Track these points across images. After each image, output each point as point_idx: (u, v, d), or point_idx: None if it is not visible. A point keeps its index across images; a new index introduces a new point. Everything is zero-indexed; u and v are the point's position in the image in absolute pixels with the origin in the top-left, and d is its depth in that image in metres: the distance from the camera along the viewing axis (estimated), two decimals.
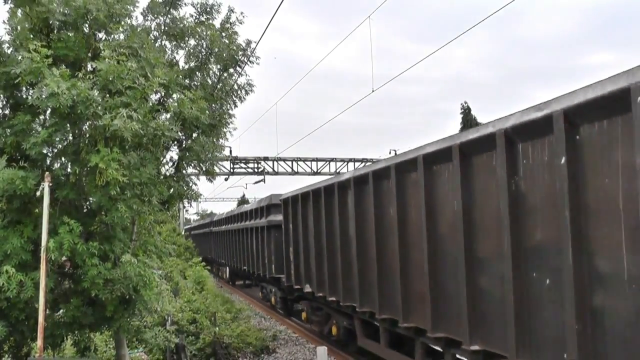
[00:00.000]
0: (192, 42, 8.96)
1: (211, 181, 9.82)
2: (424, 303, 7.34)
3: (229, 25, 9.18)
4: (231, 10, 9.23)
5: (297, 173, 34.65)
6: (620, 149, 4.36)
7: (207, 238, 34.53)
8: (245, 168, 33.83)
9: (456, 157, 6.48)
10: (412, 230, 7.74)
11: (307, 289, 12.52)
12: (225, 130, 9.29)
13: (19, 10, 7.33)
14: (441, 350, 7.36)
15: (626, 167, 4.30)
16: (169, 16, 8.76)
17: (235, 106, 9.51)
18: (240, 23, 9.28)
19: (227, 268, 28.08)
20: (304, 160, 34.74)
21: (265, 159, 33.82)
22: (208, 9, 9.05)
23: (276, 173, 34.28)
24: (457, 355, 6.98)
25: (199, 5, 9.03)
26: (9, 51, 7.32)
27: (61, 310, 7.80)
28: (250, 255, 20.26)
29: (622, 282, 4.39)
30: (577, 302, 4.72)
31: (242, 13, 9.28)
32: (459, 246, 6.47)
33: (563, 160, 4.77)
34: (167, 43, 8.94)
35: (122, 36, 7.63)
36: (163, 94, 8.07)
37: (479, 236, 6.28)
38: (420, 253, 7.43)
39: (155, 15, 8.65)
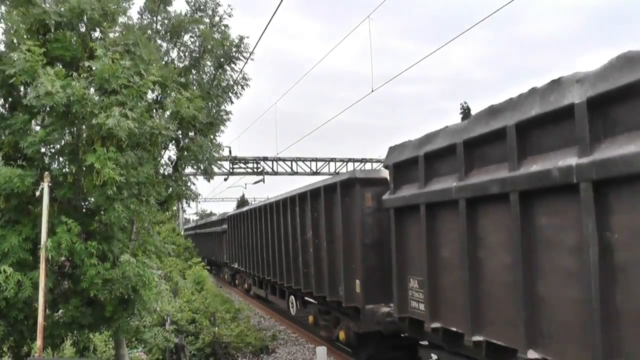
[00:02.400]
0: (186, 38, 8.96)
1: (209, 180, 9.80)
2: (274, 268, 15.15)
3: (218, 18, 9.14)
4: (217, 4, 9.17)
5: (296, 173, 34.61)
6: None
7: (193, 237, 42.40)
8: (244, 168, 33.79)
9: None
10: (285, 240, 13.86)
11: (236, 265, 22.64)
12: (222, 128, 9.30)
13: (14, 11, 7.31)
14: (285, 290, 14.92)
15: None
16: (162, 14, 8.74)
17: (232, 102, 9.50)
18: (229, 16, 9.23)
19: (205, 259, 38.43)
20: (304, 160, 34.70)
21: (265, 159, 33.79)
22: (202, 7, 9.04)
23: (275, 173, 34.25)
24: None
25: (192, 3, 9.01)
26: (4, 50, 7.31)
27: (60, 311, 7.79)
28: (215, 250, 31.11)
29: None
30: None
31: (229, 6, 9.25)
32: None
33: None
34: (162, 42, 8.94)
35: (117, 34, 7.63)
36: (159, 91, 8.06)
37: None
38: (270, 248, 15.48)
39: (152, 14, 8.64)
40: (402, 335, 8.91)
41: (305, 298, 13.31)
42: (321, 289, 11.21)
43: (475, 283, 6.02)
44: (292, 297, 14.56)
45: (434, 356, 7.29)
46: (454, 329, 6.48)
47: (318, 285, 11.32)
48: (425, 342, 7.58)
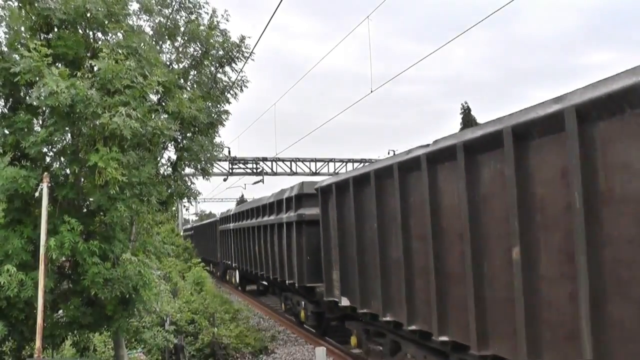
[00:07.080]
0: (185, 39, 8.91)
1: (207, 179, 9.80)
2: (213, 254, 33.81)
3: (215, 23, 9.12)
4: (214, 11, 9.12)
5: (295, 173, 34.55)
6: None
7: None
8: (244, 168, 33.77)
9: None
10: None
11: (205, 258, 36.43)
12: (220, 127, 9.30)
13: (17, 9, 7.30)
14: (214, 261, 34.23)
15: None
16: (161, 13, 8.71)
17: (229, 102, 9.49)
18: (227, 21, 9.22)
19: None
20: (303, 160, 34.67)
21: (264, 159, 33.77)
22: (196, 8, 9.01)
23: (275, 173, 34.24)
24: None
25: (187, 2, 8.98)
26: (7, 50, 7.31)
27: (60, 311, 7.79)
28: (198, 247, 42.77)
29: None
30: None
31: (225, 11, 9.22)
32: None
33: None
34: (161, 42, 8.91)
35: (120, 36, 7.62)
36: (162, 94, 8.06)
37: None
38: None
39: (149, 15, 8.60)
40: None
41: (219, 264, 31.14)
42: (215, 257, 30.95)
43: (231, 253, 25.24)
44: (214, 265, 33.99)
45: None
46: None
47: (216, 256, 30.22)
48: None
